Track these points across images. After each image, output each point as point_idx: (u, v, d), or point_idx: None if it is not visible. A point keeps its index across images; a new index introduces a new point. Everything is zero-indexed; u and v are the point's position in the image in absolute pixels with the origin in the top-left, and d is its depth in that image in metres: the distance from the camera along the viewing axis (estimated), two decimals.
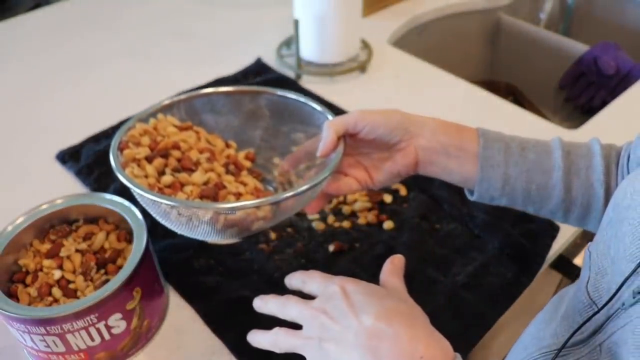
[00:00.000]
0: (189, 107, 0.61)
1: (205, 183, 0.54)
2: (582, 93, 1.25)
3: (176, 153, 0.55)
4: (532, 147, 0.52)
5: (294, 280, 0.49)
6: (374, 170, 0.54)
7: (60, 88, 0.95)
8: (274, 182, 0.64)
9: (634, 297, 0.35)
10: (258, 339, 0.46)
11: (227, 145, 0.63)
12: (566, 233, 0.69)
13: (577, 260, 0.71)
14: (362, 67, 0.99)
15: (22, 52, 1.05)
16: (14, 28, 1.13)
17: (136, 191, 0.48)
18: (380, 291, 0.44)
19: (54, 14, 1.17)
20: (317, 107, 0.59)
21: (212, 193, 0.52)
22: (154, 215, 0.52)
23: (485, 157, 0.51)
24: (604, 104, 0.96)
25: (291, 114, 0.61)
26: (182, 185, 0.53)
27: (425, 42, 1.21)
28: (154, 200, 0.47)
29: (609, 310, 0.39)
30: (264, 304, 0.48)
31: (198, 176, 0.54)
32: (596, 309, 0.39)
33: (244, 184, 0.58)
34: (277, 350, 0.44)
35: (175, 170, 0.54)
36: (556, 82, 1.28)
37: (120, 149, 0.54)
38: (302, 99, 0.60)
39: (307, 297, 0.47)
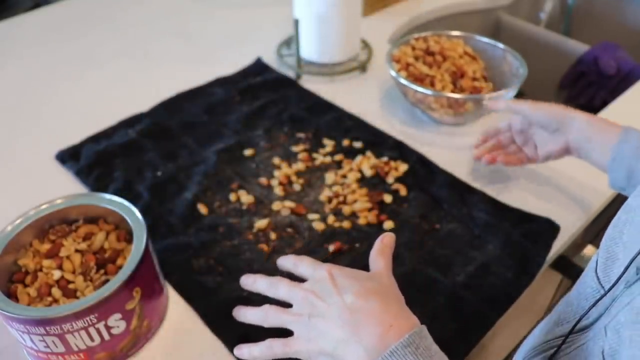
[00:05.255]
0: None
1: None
2: (582, 93, 1.25)
3: (439, 58, 0.88)
4: None
5: (286, 262, 0.53)
6: (540, 147, 0.70)
7: (60, 88, 0.95)
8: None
9: (637, 274, 0.36)
10: (246, 314, 0.50)
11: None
12: (567, 233, 0.69)
13: (578, 261, 0.71)
14: (363, 67, 0.98)
15: (22, 52, 1.05)
16: (14, 28, 1.13)
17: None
18: (362, 274, 0.48)
19: (54, 14, 1.17)
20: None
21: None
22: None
23: (617, 149, 0.58)
24: (604, 104, 0.96)
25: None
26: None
27: None
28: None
29: (614, 292, 0.40)
30: (252, 282, 0.52)
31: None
32: (604, 292, 0.41)
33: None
34: (265, 325, 0.49)
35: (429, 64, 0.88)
36: (556, 82, 1.28)
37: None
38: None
39: (296, 279, 0.50)
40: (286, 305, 0.48)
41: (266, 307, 0.49)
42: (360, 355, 0.42)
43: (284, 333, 0.48)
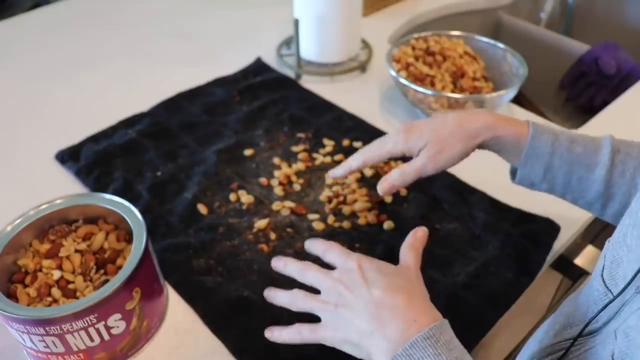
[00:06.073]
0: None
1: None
2: (582, 93, 1.25)
3: (439, 58, 0.89)
4: (582, 142, 0.55)
5: (315, 247, 0.54)
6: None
7: (60, 88, 0.95)
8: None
9: None
10: (277, 296, 0.51)
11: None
12: (567, 233, 0.69)
13: (578, 261, 0.71)
14: (362, 67, 0.98)
15: (21, 51, 1.05)
16: (13, 27, 1.13)
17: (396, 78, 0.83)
18: (389, 269, 0.49)
19: (53, 14, 1.17)
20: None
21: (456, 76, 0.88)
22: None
23: (532, 146, 0.55)
24: (604, 104, 0.96)
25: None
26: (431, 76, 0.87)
27: None
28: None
29: (624, 297, 0.40)
30: (282, 265, 0.52)
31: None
32: (612, 297, 0.41)
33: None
34: (293, 309, 0.50)
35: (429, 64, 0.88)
36: (557, 82, 1.28)
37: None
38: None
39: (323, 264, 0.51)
40: (315, 290, 0.50)
41: (295, 291, 0.50)
42: (384, 347, 0.43)
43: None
